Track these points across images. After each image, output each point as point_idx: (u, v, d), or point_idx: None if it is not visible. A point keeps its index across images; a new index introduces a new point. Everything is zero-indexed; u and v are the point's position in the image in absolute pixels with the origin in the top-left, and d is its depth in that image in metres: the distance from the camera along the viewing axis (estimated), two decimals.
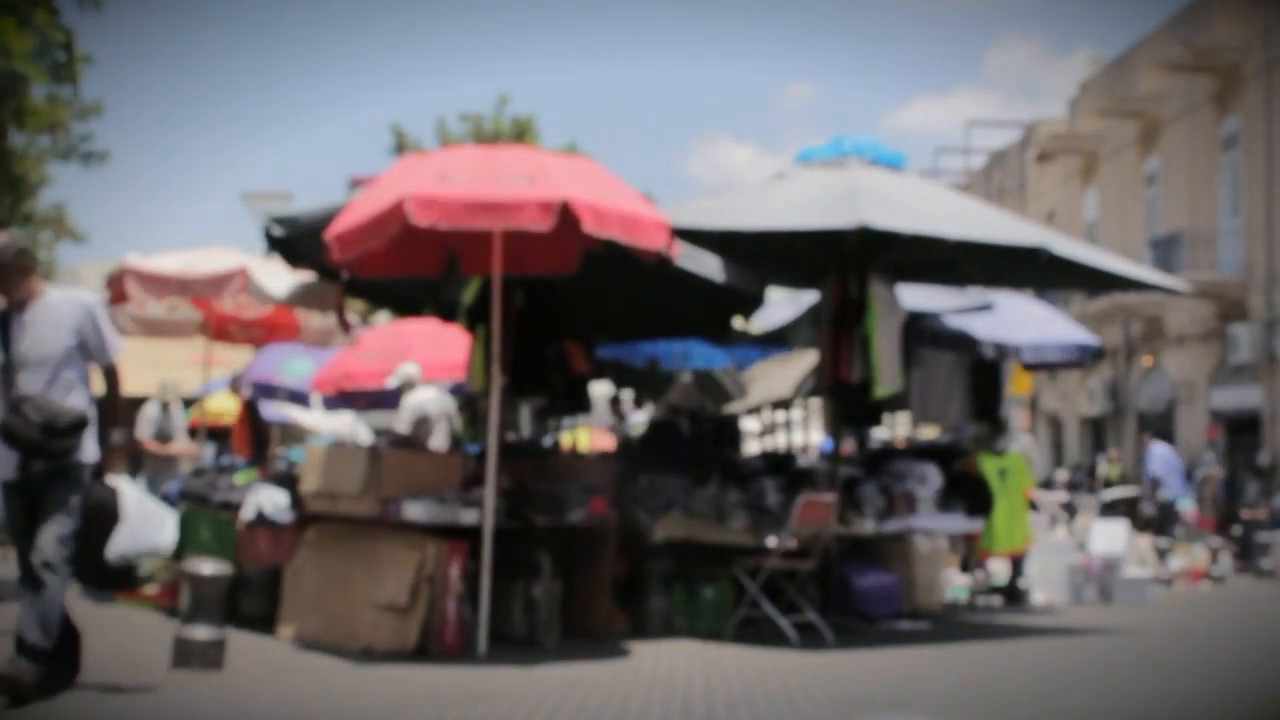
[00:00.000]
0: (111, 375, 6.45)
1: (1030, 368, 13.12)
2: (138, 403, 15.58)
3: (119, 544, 6.41)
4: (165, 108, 79.94)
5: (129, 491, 6.64)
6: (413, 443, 11.30)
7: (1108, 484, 23.14)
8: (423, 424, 12.18)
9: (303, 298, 10.69)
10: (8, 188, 21.29)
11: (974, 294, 12.08)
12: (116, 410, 6.44)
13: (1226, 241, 25.52)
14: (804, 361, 14.79)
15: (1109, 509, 19.16)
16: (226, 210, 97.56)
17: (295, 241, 9.44)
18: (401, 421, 12.31)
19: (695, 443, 11.32)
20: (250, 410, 15.25)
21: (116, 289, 11.16)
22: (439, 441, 12.14)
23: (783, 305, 12.72)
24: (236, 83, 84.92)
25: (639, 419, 17.35)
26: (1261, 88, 24.52)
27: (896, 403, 11.90)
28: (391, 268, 9.17)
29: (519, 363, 9.75)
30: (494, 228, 8.17)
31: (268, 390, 15.23)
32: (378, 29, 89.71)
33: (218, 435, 17.44)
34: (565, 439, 14.16)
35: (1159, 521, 17.92)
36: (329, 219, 8.48)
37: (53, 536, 6.12)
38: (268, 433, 15.47)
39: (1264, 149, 24.39)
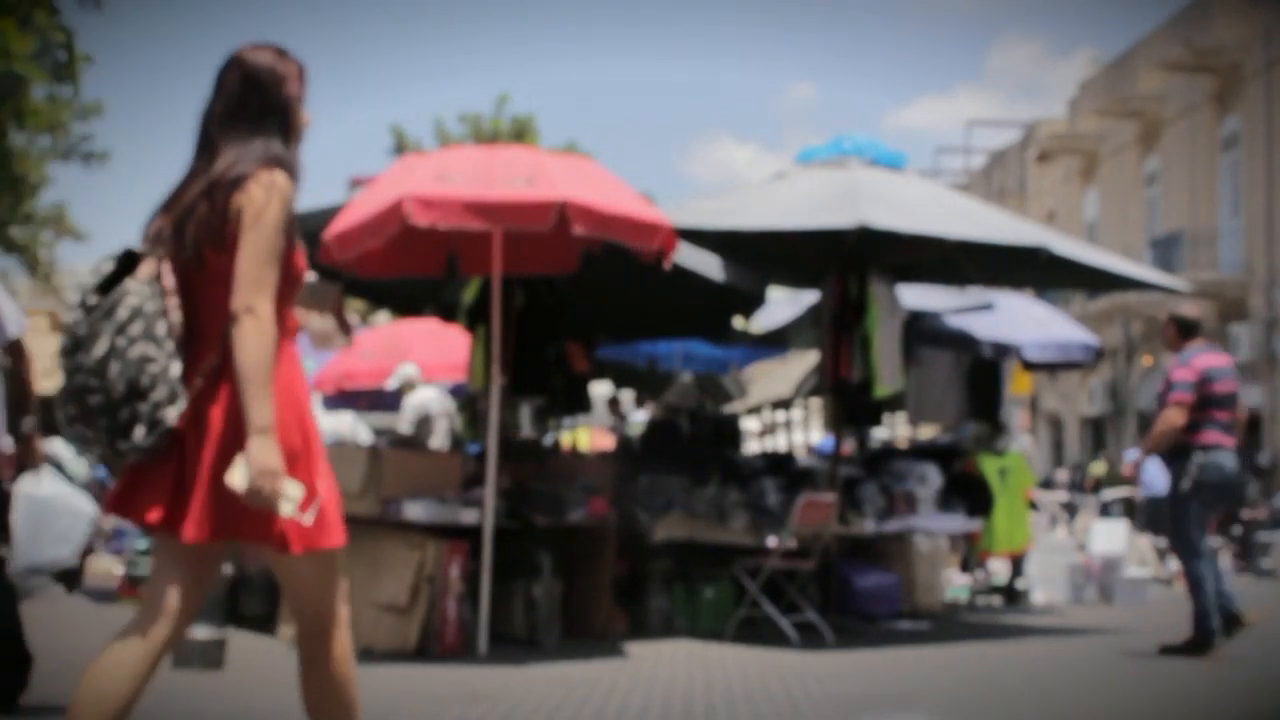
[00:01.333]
0: (18, 355, 5.52)
1: (1031, 368, 13.12)
2: None
3: (16, 558, 5.60)
4: (165, 108, 79.99)
5: (36, 494, 5.91)
6: (415, 442, 11.31)
7: (1098, 485, 23.17)
8: (425, 423, 12.21)
9: (303, 298, 10.68)
10: (8, 188, 21.28)
11: (974, 294, 12.08)
12: (29, 397, 5.54)
13: (1226, 241, 25.55)
14: (804, 361, 14.80)
15: (1106, 509, 19.18)
16: None
17: None
18: (404, 421, 12.33)
19: (695, 443, 11.33)
20: None
21: None
22: (439, 441, 12.15)
23: (783, 305, 12.72)
24: None
25: (639, 418, 17.35)
26: (1261, 88, 24.54)
27: (897, 402, 11.90)
28: (391, 268, 9.16)
29: (519, 363, 9.75)
30: (493, 228, 8.17)
31: None
32: (378, 29, 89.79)
33: None
34: (565, 439, 14.16)
35: (1143, 517, 17.98)
36: (330, 219, 8.47)
37: None
38: None
39: (1264, 149, 24.41)
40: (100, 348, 3.34)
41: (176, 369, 3.39)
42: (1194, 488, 8.43)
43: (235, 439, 3.35)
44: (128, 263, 3.49)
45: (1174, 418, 8.41)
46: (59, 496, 6.72)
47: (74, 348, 3.37)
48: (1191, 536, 8.53)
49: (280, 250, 3.43)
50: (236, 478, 3.26)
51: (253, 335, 3.32)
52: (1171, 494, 8.64)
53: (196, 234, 3.43)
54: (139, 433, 3.34)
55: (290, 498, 3.29)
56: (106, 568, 13.06)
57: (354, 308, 17.81)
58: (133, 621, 3.44)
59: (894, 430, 16.57)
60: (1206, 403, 8.45)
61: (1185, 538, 8.57)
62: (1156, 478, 18.90)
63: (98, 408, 3.35)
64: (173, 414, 3.36)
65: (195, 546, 3.44)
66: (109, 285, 3.44)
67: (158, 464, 3.41)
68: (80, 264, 31.48)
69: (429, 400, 12.43)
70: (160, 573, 3.47)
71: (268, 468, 3.28)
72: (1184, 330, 8.73)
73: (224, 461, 3.34)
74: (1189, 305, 9.06)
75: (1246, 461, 23.82)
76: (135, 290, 3.39)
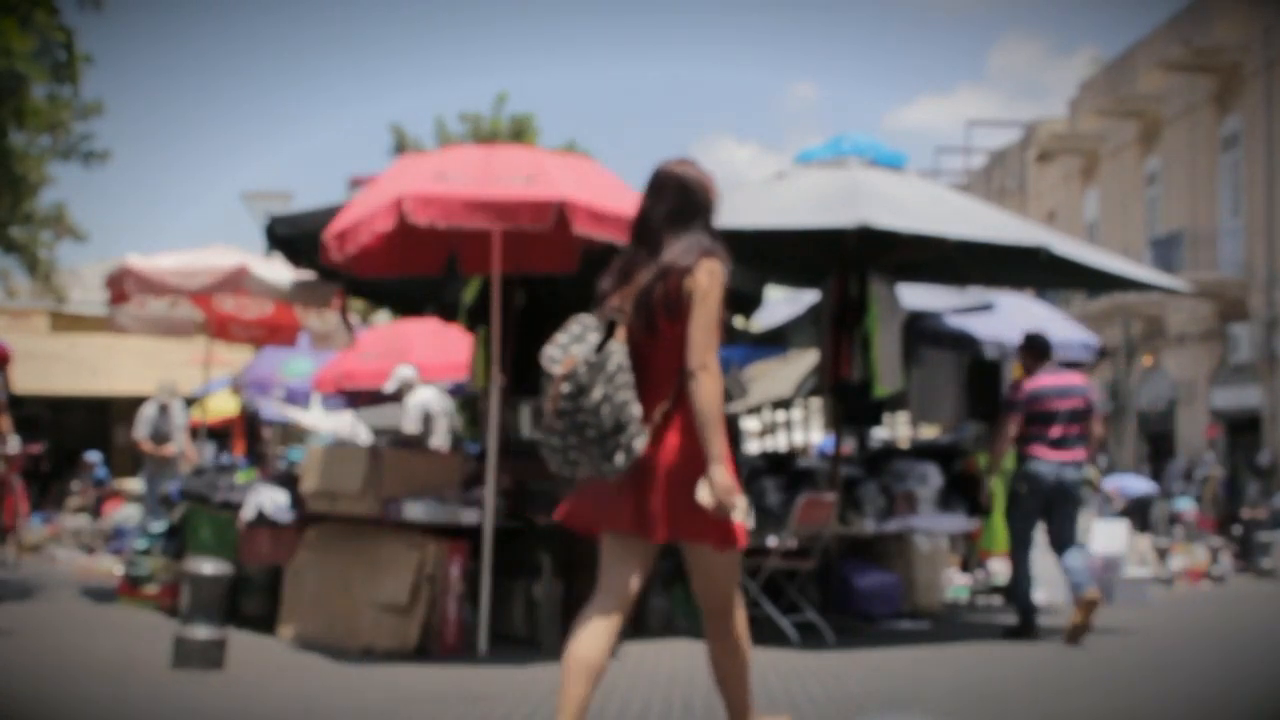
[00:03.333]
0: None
1: None
2: (139, 402, 15.61)
3: None
4: (165, 108, 79.96)
5: None
6: (417, 442, 11.31)
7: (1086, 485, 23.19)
8: (428, 422, 12.23)
9: (303, 295, 10.69)
10: (8, 187, 21.27)
11: (974, 294, 12.07)
12: None
13: (1226, 241, 25.54)
14: (804, 361, 14.78)
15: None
16: (227, 210, 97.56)
17: (296, 241, 9.44)
18: (409, 420, 12.34)
19: None
20: (244, 409, 15.29)
21: (117, 289, 11.16)
22: (439, 440, 12.16)
23: (783, 305, 12.70)
24: (237, 82, 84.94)
25: None
26: (1261, 88, 24.54)
27: (897, 402, 11.88)
28: (391, 267, 9.17)
29: (519, 363, 9.74)
30: (492, 227, 8.16)
31: (263, 388, 15.24)
32: (377, 29, 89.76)
33: (218, 435, 17.46)
34: None
35: (1133, 516, 18.06)
36: (329, 219, 8.48)
37: None
38: (260, 432, 15.49)
39: (1264, 149, 24.41)
40: (597, 394, 4.34)
41: (639, 410, 4.39)
42: (1018, 492, 9.65)
43: (686, 464, 4.37)
44: (609, 329, 4.50)
45: (1005, 431, 9.68)
46: None
47: (578, 393, 4.35)
48: (1019, 532, 9.71)
49: (720, 319, 4.48)
50: (704, 494, 4.30)
51: (709, 385, 4.36)
52: (1009, 496, 9.81)
53: (654, 308, 4.47)
54: (619, 458, 4.34)
55: (740, 507, 4.32)
56: (107, 568, 13.07)
57: (354, 308, 17.81)
58: (596, 604, 4.41)
59: (894, 430, 16.56)
60: (1032, 419, 9.56)
61: (1015, 533, 9.76)
62: (1133, 481, 18.97)
63: (593, 439, 4.35)
64: (640, 444, 4.35)
65: (646, 544, 4.47)
66: (600, 346, 4.45)
67: (615, 485, 4.41)
68: (80, 264, 31.46)
69: (430, 399, 12.45)
70: (616, 566, 4.48)
71: (728, 486, 4.32)
72: (1035, 354, 9.85)
73: (679, 482, 4.37)
74: (1036, 335, 10.01)
75: (1246, 462, 23.90)
76: (617, 350, 4.42)
